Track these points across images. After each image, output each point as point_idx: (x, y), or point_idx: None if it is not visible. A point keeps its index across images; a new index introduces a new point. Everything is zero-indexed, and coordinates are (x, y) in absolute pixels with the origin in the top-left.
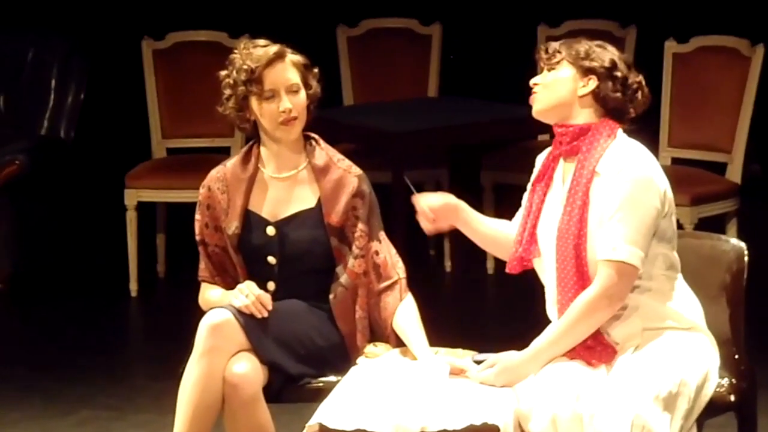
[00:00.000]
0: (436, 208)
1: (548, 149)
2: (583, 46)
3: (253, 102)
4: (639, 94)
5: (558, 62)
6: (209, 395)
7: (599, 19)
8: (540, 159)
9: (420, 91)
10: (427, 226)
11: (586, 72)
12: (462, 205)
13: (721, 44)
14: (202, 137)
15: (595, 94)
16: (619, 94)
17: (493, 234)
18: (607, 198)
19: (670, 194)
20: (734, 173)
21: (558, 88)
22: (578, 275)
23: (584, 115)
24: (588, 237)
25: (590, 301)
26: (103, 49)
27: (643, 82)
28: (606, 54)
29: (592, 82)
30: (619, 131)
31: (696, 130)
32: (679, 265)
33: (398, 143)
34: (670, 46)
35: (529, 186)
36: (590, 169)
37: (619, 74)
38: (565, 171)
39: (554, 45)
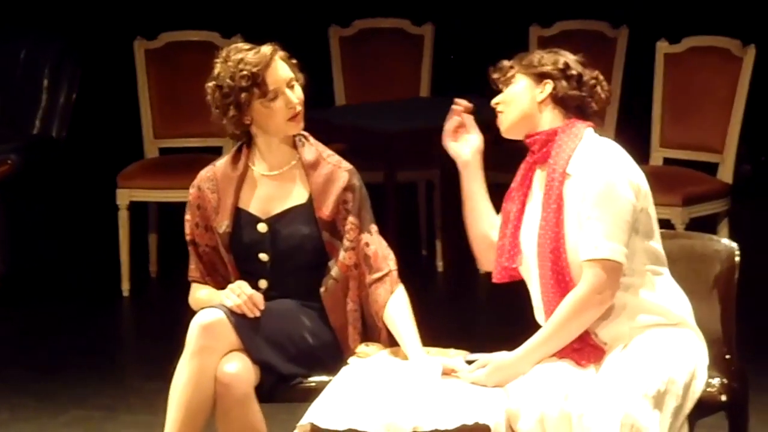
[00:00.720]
0: (467, 131)
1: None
2: (534, 55)
3: (257, 105)
4: (598, 89)
5: (512, 77)
6: (201, 395)
7: (591, 19)
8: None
9: (412, 91)
10: (448, 132)
11: (541, 77)
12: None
13: (712, 45)
14: (195, 137)
15: (554, 96)
16: (576, 92)
17: (485, 229)
18: (581, 198)
19: (645, 187)
20: (725, 173)
21: (518, 101)
22: (558, 278)
23: (549, 120)
24: (565, 239)
25: (580, 300)
26: (95, 49)
27: (600, 77)
28: (557, 57)
29: (548, 86)
30: (588, 130)
31: (687, 131)
32: (664, 259)
33: (390, 143)
34: (662, 47)
35: (506, 195)
36: (561, 172)
37: (573, 72)
38: (540, 178)
39: (505, 63)
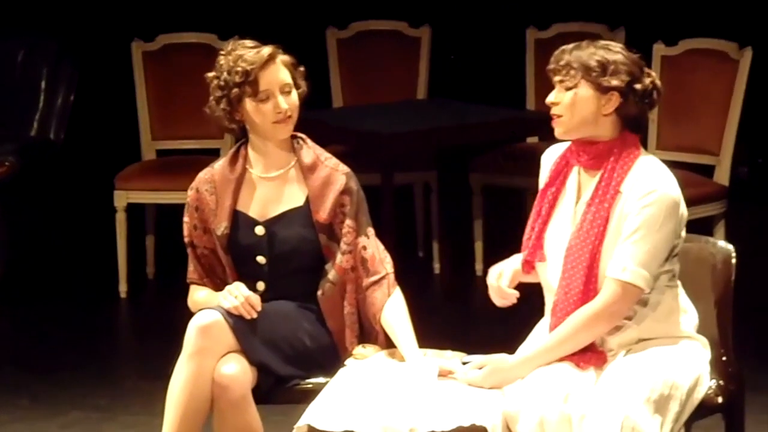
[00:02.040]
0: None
1: (555, 149)
2: (594, 57)
3: (248, 103)
4: (655, 95)
5: (575, 80)
6: (198, 396)
7: (588, 21)
8: (548, 160)
9: (409, 93)
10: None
11: (607, 90)
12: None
13: (709, 47)
14: (192, 139)
15: (618, 110)
16: (639, 107)
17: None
18: (627, 217)
19: (686, 213)
20: (722, 176)
21: (581, 109)
22: (584, 288)
23: (606, 130)
24: (602, 254)
25: (591, 315)
26: (93, 51)
27: (656, 80)
28: (618, 62)
29: (615, 99)
30: (642, 150)
31: (684, 133)
32: (678, 273)
33: (387, 145)
34: (659, 49)
35: (540, 189)
36: (614, 188)
37: (639, 87)
38: (582, 182)
39: (566, 59)
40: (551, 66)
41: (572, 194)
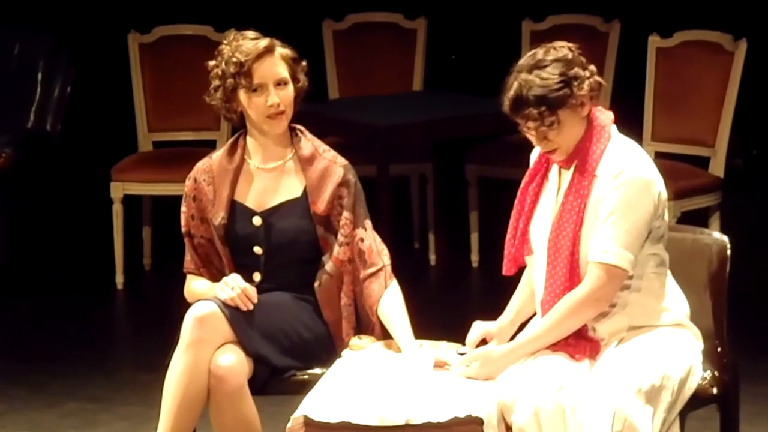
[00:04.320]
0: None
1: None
2: (547, 83)
3: (242, 94)
4: (594, 76)
5: (555, 117)
6: (195, 387)
7: (583, 14)
8: (534, 156)
9: (405, 85)
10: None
11: (580, 99)
12: (490, 327)
13: (704, 39)
14: (188, 130)
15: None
16: (591, 85)
17: (519, 312)
18: (603, 200)
19: (664, 194)
20: (717, 167)
21: (571, 131)
22: (569, 276)
23: (584, 122)
24: (582, 239)
25: (578, 300)
26: (89, 43)
27: (574, 48)
28: (573, 70)
29: (587, 100)
30: (613, 129)
31: (679, 125)
32: (667, 261)
33: (383, 137)
34: (654, 41)
35: (521, 187)
36: (590, 173)
37: (589, 73)
38: (562, 173)
39: (533, 112)
40: (529, 127)
41: (553, 186)
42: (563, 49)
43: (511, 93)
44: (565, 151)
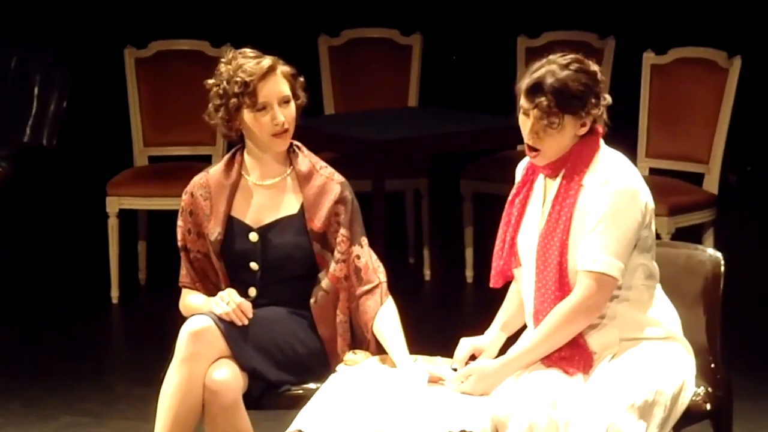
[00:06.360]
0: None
1: (527, 159)
2: (571, 85)
3: (246, 113)
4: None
5: (559, 119)
6: (189, 401)
7: (578, 30)
8: (520, 170)
9: (400, 100)
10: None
11: (586, 118)
12: (477, 342)
13: (698, 56)
14: (184, 145)
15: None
16: (599, 111)
17: (507, 325)
18: (590, 209)
19: (651, 204)
20: (711, 184)
21: (562, 141)
22: (559, 285)
23: (573, 142)
24: (570, 248)
25: (569, 310)
26: (85, 58)
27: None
28: (598, 89)
29: (590, 122)
30: (601, 141)
31: (673, 141)
32: (657, 274)
33: (378, 152)
34: (649, 58)
35: (508, 200)
36: (577, 182)
37: (604, 102)
38: (547, 184)
39: (544, 103)
40: (533, 113)
41: (539, 197)
42: (596, 67)
43: (536, 75)
44: (545, 156)
